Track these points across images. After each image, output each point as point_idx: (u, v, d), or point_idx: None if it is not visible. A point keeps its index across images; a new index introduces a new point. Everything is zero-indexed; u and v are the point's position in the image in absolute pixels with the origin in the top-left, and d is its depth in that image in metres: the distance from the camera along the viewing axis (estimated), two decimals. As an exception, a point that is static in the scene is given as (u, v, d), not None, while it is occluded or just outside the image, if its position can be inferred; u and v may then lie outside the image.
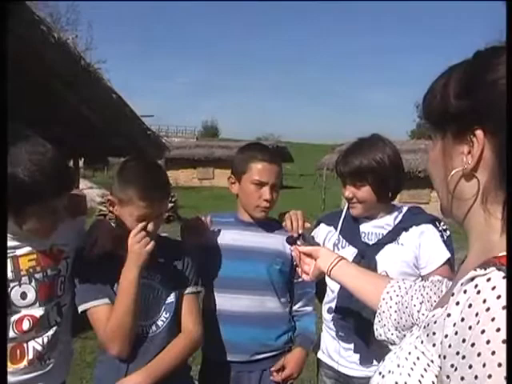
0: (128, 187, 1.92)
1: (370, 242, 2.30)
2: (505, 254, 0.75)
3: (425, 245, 2.22)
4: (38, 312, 1.87)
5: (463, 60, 0.92)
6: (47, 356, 1.93)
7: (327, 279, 2.42)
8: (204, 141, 42.94)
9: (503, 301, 0.67)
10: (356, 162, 2.22)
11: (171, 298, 2.07)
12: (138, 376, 1.93)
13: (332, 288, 2.37)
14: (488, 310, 0.67)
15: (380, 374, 0.96)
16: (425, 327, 0.86)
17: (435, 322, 0.81)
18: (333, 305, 2.33)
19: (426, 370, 0.84)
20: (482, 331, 0.67)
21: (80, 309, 1.98)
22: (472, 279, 0.72)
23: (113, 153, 8.65)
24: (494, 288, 0.68)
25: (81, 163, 9.01)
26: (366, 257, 2.26)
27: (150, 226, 1.93)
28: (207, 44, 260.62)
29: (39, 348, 1.89)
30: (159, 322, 2.04)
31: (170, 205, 17.23)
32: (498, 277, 0.69)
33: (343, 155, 2.31)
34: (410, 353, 0.91)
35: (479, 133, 0.82)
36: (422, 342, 0.86)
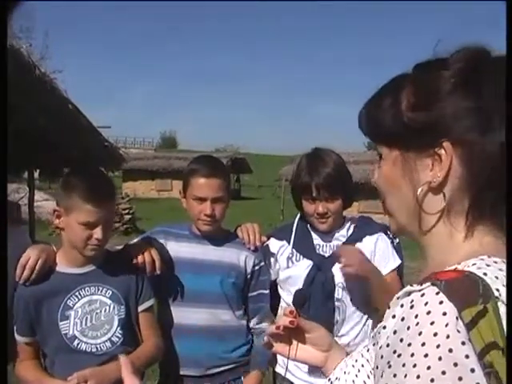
0: (72, 192, 1.90)
1: (326, 255, 2.32)
2: (450, 268, 0.76)
3: (378, 252, 2.28)
4: None
5: (402, 74, 0.91)
6: None
7: (280, 291, 2.43)
8: (162, 152, 42.82)
9: (432, 316, 0.68)
10: (330, 174, 2.21)
11: (124, 314, 2.02)
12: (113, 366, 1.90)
13: (287, 301, 2.37)
14: (417, 324, 0.69)
15: (329, 380, 1.00)
16: (373, 337, 0.88)
17: (379, 333, 0.82)
18: None
19: (368, 376, 0.86)
20: (409, 344, 0.69)
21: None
22: (409, 294, 0.73)
23: (69, 164, 8.49)
24: (426, 304, 0.70)
25: (36, 175, 8.79)
26: (323, 269, 2.27)
27: (98, 232, 1.91)
28: (166, 55, 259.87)
29: None
30: (114, 339, 1.99)
31: (128, 217, 17.07)
32: (431, 292, 0.70)
33: (310, 170, 2.25)
34: (356, 360, 0.94)
35: (447, 145, 0.81)
36: (368, 351, 0.88)
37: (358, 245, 2.29)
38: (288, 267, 2.37)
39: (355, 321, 2.28)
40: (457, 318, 0.67)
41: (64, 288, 1.98)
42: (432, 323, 0.68)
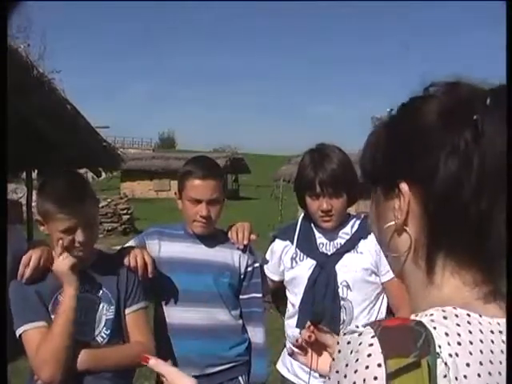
0: (46, 202, 1.91)
1: (329, 253, 2.30)
2: (410, 317, 0.77)
3: None
4: None
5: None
6: None
7: (287, 292, 2.41)
8: (161, 152, 42.82)
9: (358, 355, 0.70)
10: (335, 170, 2.19)
11: (112, 314, 2.02)
12: (84, 353, 1.90)
13: (292, 302, 2.36)
14: (350, 360, 0.72)
15: None
16: None
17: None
18: (294, 320, 2.31)
19: None
20: (345, 376, 0.71)
21: (17, 333, 1.90)
22: (352, 332, 0.75)
23: (67, 165, 8.49)
24: (360, 343, 0.72)
25: (34, 175, 8.79)
26: (326, 267, 2.26)
27: (79, 236, 1.89)
28: (164, 54, 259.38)
29: None
30: (99, 338, 1.98)
31: (127, 217, 17.08)
32: (367, 334, 0.72)
33: (314, 166, 2.22)
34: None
35: (403, 186, 0.81)
36: None
37: (362, 242, 2.27)
38: (292, 267, 2.36)
39: (363, 320, 2.21)
40: (379, 365, 0.68)
41: (55, 284, 1.97)
42: (356, 360, 0.70)
